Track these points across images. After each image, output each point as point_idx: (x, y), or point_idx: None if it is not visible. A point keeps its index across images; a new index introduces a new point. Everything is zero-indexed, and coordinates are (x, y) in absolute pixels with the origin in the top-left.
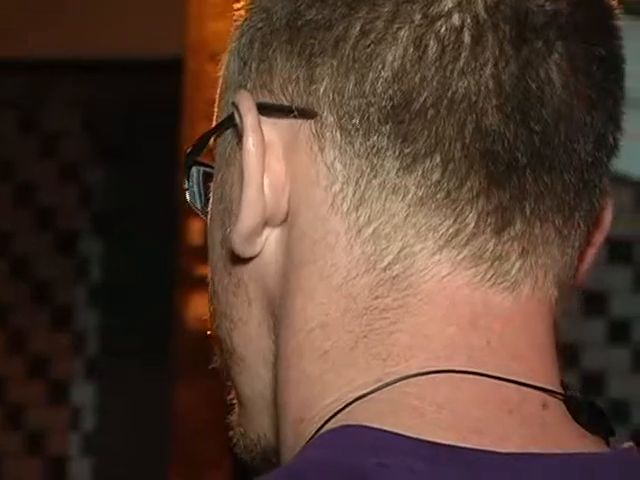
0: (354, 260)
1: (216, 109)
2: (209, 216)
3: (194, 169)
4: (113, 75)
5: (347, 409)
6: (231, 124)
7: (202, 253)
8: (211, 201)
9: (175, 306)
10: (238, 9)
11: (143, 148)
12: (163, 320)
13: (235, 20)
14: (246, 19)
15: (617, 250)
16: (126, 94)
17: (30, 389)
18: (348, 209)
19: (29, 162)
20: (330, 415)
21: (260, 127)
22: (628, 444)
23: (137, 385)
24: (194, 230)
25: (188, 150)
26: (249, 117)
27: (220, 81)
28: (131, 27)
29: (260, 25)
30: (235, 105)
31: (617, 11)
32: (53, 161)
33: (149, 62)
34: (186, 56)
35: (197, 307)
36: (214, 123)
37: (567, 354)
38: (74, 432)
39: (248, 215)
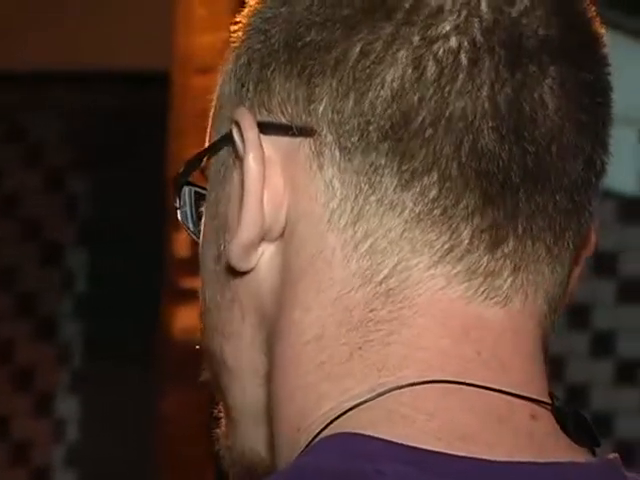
0: (350, 274)
1: (209, 129)
2: (201, 234)
3: (185, 189)
4: (99, 87)
5: (342, 418)
6: (227, 143)
7: (188, 265)
8: (204, 219)
9: (161, 317)
10: (235, 31)
11: (129, 159)
12: (148, 331)
13: (232, 42)
14: (243, 41)
15: (601, 263)
16: (113, 106)
17: (15, 400)
18: (345, 225)
19: (14, 172)
20: (326, 424)
21: (261, 143)
22: (613, 455)
23: (122, 396)
24: (180, 241)
25: (180, 170)
26: (250, 133)
27: (214, 102)
28: (118, 39)
29: (258, 46)
30: (235, 122)
31: (605, 38)
32: (38, 171)
33: (136, 74)
34: (173, 69)
35: (183, 318)
36: (207, 144)
37: (551, 367)
38: (59, 443)
39: (248, 228)
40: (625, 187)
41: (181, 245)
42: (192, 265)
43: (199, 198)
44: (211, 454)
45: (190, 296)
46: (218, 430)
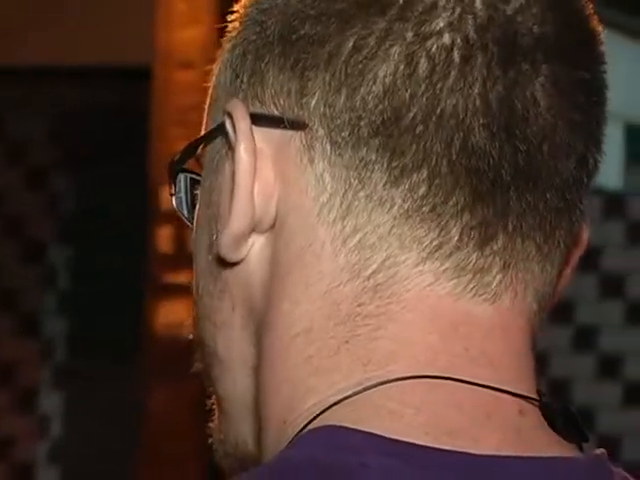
0: (339, 268)
1: (205, 117)
2: (195, 222)
3: (181, 176)
4: (82, 83)
5: (328, 411)
6: (221, 133)
7: (171, 260)
8: (198, 207)
9: (144, 313)
10: (231, 21)
11: (111, 155)
12: (132, 327)
13: (228, 32)
14: (239, 32)
15: (584, 259)
16: (95, 101)
17: None
18: (335, 219)
19: None
20: (312, 417)
21: (252, 135)
22: (600, 450)
23: (105, 393)
24: (163, 237)
25: (176, 157)
26: (242, 124)
27: (210, 91)
28: (100, 36)
29: (253, 38)
30: (228, 113)
31: (602, 36)
32: (20, 169)
33: (118, 70)
34: (155, 64)
35: (166, 313)
36: (203, 131)
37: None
38: (42, 439)
39: (238, 219)
40: (608, 183)
41: (164, 241)
42: (175, 261)
43: (194, 185)
44: (196, 450)
45: (173, 291)
46: (211, 423)
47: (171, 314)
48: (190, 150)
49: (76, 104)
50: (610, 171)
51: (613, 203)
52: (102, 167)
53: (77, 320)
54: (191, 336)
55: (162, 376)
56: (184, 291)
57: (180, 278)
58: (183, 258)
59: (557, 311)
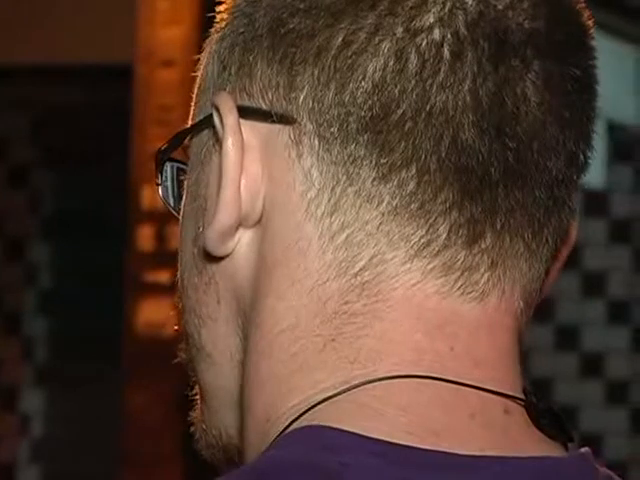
0: (326, 265)
1: (193, 108)
2: (181, 213)
3: (167, 165)
4: (63, 81)
5: (312, 410)
6: (208, 125)
7: (152, 259)
8: (184, 199)
9: (125, 311)
10: (220, 12)
11: (92, 153)
12: (113, 325)
13: (216, 22)
14: (228, 23)
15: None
16: (76, 99)
17: None
18: (322, 215)
19: None
20: (296, 416)
21: (240, 128)
22: (585, 449)
23: (86, 391)
24: (144, 236)
25: (163, 147)
26: (230, 118)
27: (197, 81)
28: (82, 33)
29: (242, 30)
30: (215, 106)
31: (592, 31)
32: (1, 167)
33: (99, 67)
34: (136, 62)
35: (147, 312)
36: (190, 122)
37: None
38: (23, 438)
39: (224, 214)
40: (590, 180)
41: (145, 239)
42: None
43: (181, 175)
44: (175, 450)
45: (154, 290)
46: (193, 413)
47: (151, 313)
48: (177, 140)
49: (58, 102)
50: (592, 168)
51: (595, 200)
52: (83, 165)
53: (58, 319)
54: (176, 327)
55: (143, 375)
56: (165, 290)
57: (161, 277)
58: (164, 257)
59: (539, 310)
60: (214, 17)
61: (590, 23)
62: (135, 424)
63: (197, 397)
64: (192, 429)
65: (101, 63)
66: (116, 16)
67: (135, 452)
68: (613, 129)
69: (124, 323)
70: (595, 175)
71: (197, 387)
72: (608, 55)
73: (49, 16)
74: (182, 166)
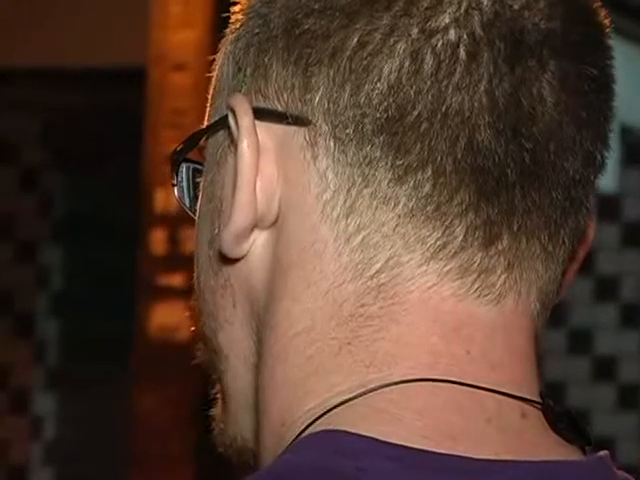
0: (342, 267)
1: (208, 109)
2: (197, 214)
3: (183, 166)
4: (75, 84)
5: (328, 414)
6: (224, 126)
7: (164, 262)
8: (200, 200)
9: (137, 314)
10: (235, 12)
11: (104, 156)
12: (124, 328)
13: (231, 23)
14: (243, 24)
15: None
16: (88, 103)
17: None
18: (338, 217)
19: None
20: (312, 420)
21: (255, 130)
22: (603, 453)
23: (98, 394)
24: (157, 239)
25: (178, 147)
26: (245, 120)
27: (213, 82)
28: (94, 37)
29: (257, 31)
30: (231, 108)
31: (609, 30)
32: (13, 170)
33: (112, 71)
34: (149, 66)
35: (158, 315)
36: (205, 123)
37: None
38: (35, 441)
39: (240, 216)
40: (603, 184)
41: (157, 242)
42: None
43: (197, 175)
44: (184, 452)
45: (166, 293)
46: (213, 410)
47: (164, 315)
48: (193, 141)
49: (69, 105)
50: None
51: (607, 204)
52: (95, 168)
53: (70, 321)
54: (192, 329)
55: (154, 378)
56: (177, 293)
57: (173, 280)
58: (176, 260)
59: (552, 314)
60: (227, 19)
61: (606, 22)
62: (144, 426)
63: (218, 395)
64: (212, 425)
65: (113, 66)
66: (129, 19)
67: (143, 454)
68: (625, 132)
69: (136, 326)
70: (607, 179)
71: (217, 386)
72: (619, 58)
73: (59, 19)
74: (198, 167)
